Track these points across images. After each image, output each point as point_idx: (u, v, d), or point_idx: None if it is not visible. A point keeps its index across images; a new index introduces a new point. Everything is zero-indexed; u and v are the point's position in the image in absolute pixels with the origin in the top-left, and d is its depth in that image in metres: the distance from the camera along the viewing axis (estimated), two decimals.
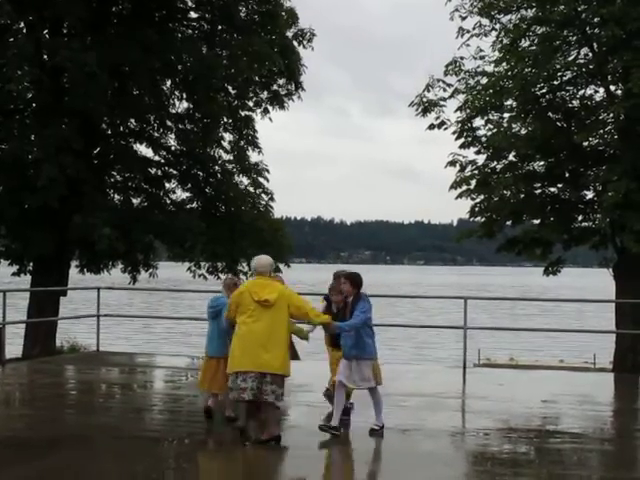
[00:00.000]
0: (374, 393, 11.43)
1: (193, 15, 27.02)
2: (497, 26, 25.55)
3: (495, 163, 25.82)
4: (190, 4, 26.77)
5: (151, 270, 26.83)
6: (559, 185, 25.20)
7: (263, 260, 11.70)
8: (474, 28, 25.59)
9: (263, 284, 11.19)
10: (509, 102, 25.46)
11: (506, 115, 25.77)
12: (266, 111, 27.98)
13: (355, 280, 11.51)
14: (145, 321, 51.43)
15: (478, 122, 25.86)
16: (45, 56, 23.94)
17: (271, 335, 10.78)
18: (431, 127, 25.86)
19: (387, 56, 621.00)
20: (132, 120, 26.51)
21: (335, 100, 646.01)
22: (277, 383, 10.82)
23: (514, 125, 25.65)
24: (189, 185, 27.24)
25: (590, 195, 25.01)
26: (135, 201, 26.91)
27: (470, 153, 26.01)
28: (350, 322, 11.13)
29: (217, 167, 27.54)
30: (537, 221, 25.58)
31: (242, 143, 28.01)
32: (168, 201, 27.17)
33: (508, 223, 25.72)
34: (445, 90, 25.85)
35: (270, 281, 11.39)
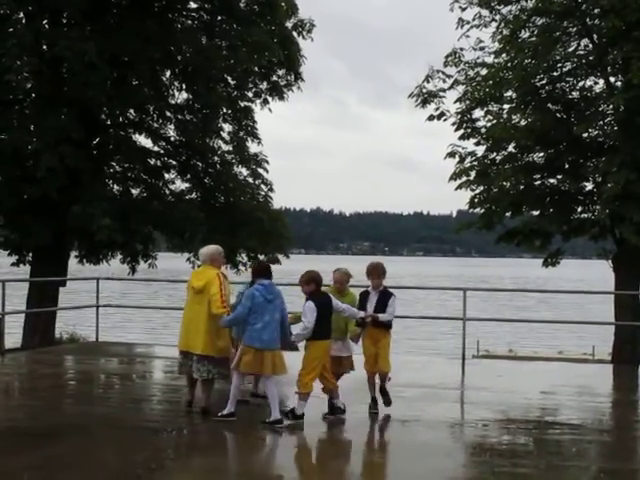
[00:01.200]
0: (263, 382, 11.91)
1: (193, 5, 26.98)
2: (497, 17, 25.54)
3: (495, 154, 25.81)
4: None
5: (150, 261, 26.83)
6: (559, 176, 25.19)
7: (204, 250, 12.46)
8: (474, 19, 25.60)
9: (199, 272, 12.29)
10: (509, 93, 25.45)
11: (506, 106, 25.76)
12: (265, 102, 27.98)
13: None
14: (144, 311, 51.43)
15: (478, 113, 25.90)
16: (44, 46, 23.90)
17: (195, 319, 11.81)
18: (430, 118, 25.83)
19: (385, 47, 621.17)
20: (131, 110, 26.49)
21: (333, 90, 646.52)
22: (203, 362, 11.71)
23: (514, 116, 25.63)
24: (188, 176, 27.26)
25: (589, 186, 25.02)
26: (134, 191, 26.93)
27: (470, 144, 26.06)
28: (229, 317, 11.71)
29: (216, 158, 27.55)
30: (536, 212, 25.59)
31: (241, 134, 28.02)
32: (167, 192, 27.20)
33: (507, 214, 25.71)
34: (445, 81, 25.87)
35: (205, 269, 12.13)
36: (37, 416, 11.81)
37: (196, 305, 11.85)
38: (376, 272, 12.29)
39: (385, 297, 12.12)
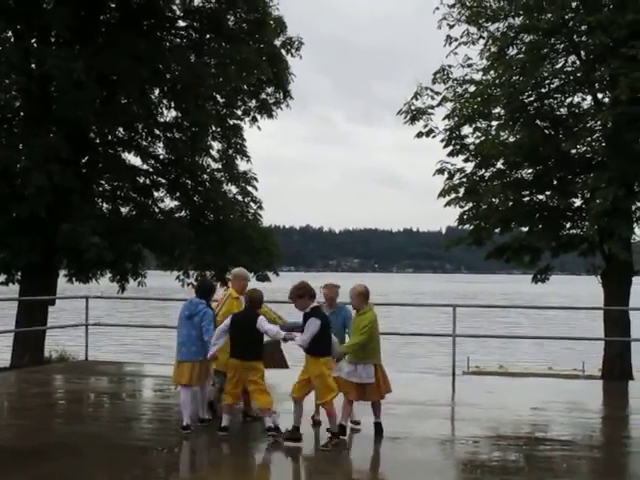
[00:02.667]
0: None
1: (181, 24, 27.05)
2: (485, 34, 25.67)
3: (483, 171, 25.87)
4: (178, 13, 26.81)
5: (140, 279, 26.78)
6: (547, 192, 25.26)
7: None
8: (462, 36, 25.73)
9: None
10: (497, 110, 25.54)
11: (494, 123, 25.84)
12: (254, 120, 28.04)
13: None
14: (134, 330, 51.24)
15: (466, 130, 25.96)
16: (33, 65, 23.92)
17: None
18: (419, 135, 25.88)
19: (370, 64, 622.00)
20: (120, 129, 26.51)
21: (320, 108, 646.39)
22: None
23: (502, 133, 25.71)
24: (178, 194, 27.25)
25: (578, 202, 25.08)
26: (124, 210, 26.91)
27: (458, 161, 26.11)
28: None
29: (205, 176, 27.57)
30: (525, 228, 25.62)
31: (230, 152, 28.06)
32: (157, 210, 27.18)
33: (497, 231, 25.75)
34: (433, 98, 25.95)
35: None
36: (26, 436, 11.75)
37: None
38: (293, 294, 11.53)
39: (305, 320, 11.32)
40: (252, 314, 11.60)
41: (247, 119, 28.09)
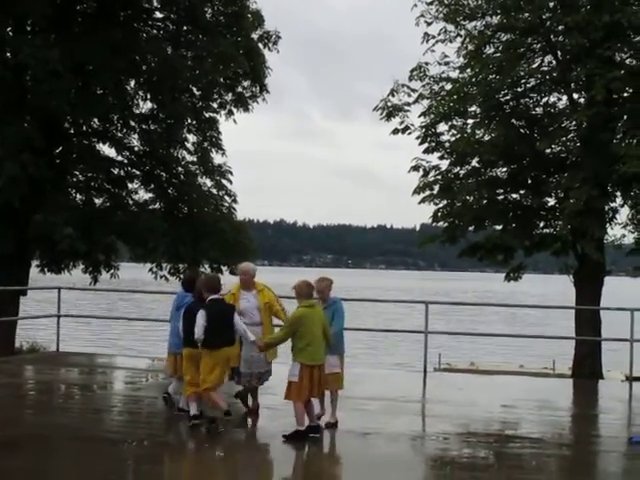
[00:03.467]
0: None
1: (158, 15, 26.93)
2: (462, 32, 25.73)
3: (458, 169, 25.95)
4: (155, 4, 26.68)
5: (112, 271, 26.68)
6: (521, 191, 25.38)
7: None
8: (439, 34, 25.77)
9: None
10: (473, 108, 25.65)
11: (470, 121, 25.94)
12: (230, 113, 27.93)
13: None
14: (105, 322, 51.16)
15: (442, 127, 26.07)
16: (8, 53, 23.73)
17: None
18: (395, 132, 25.91)
19: (346, 59, 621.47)
20: (95, 120, 26.34)
21: (295, 102, 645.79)
22: None
23: (478, 131, 25.81)
24: (152, 186, 27.15)
25: (552, 202, 25.23)
26: (97, 201, 26.80)
27: (434, 158, 26.18)
28: None
29: (180, 168, 27.48)
30: (499, 227, 25.74)
31: (206, 145, 27.95)
32: (131, 202, 27.06)
33: (470, 229, 25.86)
34: (410, 95, 25.99)
35: None
36: None
37: None
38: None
39: None
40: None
41: (223, 112, 28.00)
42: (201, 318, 11.26)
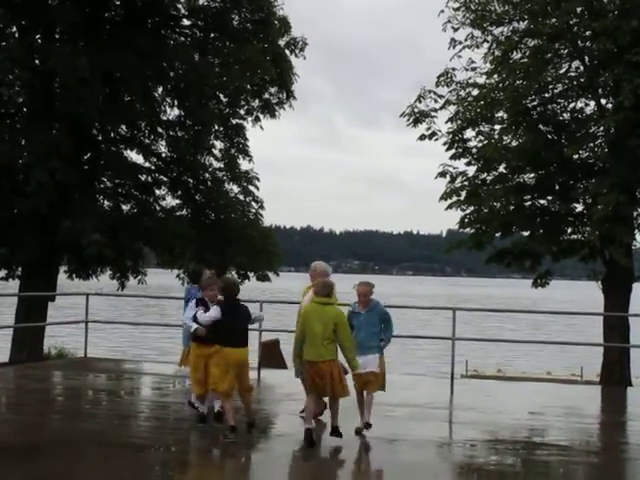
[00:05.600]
0: None
1: (186, 22, 27.03)
2: (489, 38, 25.62)
3: (485, 175, 25.85)
4: (183, 12, 26.78)
5: (140, 277, 26.79)
6: (549, 197, 25.25)
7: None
8: (466, 39, 25.64)
9: None
10: (500, 114, 25.54)
11: (497, 127, 25.84)
12: (257, 119, 28.00)
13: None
14: (133, 327, 51.33)
15: (469, 133, 25.93)
16: (37, 61, 23.91)
17: None
18: (422, 138, 25.85)
19: (367, 65, 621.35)
20: (123, 126, 26.50)
21: (320, 109, 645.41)
22: None
23: (505, 137, 25.70)
24: (179, 192, 27.25)
25: (579, 208, 25.07)
26: (125, 207, 26.91)
27: (461, 164, 26.07)
28: None
29: (207, 175, 27.56)
30: (526, 233, 25.62)
31: (233, 151, 28.01)
32: (158, 208, 27.17)
33: (497, 235, 25.74)
34: (436, 101, 25.89)
35: None
36: (23, 432, 11.74)
37: None
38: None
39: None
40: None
41: (250, 119, 28.08)
42: (214, 311, 11.38)
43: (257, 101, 27.87)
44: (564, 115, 25.53)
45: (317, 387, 11.18)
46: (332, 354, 11.15)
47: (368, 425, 11.77)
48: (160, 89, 26.81)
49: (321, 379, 11.07)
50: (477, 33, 25.60)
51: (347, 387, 11.33)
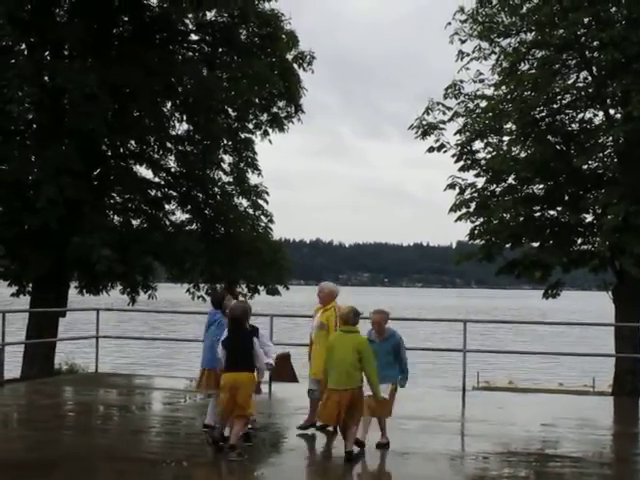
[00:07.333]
0: None
1: (194, 37, 27.10)
2: (497, 49, 25.67)
3: (494, 186, 25.85)
4: (191, 27, 26.86)
5: (150, 291, 26.80)
6: (558, 208, 25.22)
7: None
8: (473, 51, 25.72)
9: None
10: (508, 125, 25.55)
11: (505, 138, 25.85)
12: (266, 133, 28.04)
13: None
14: (144, 342, 51.34)
15: (478, 145, 25.96)
16: (46, 77, 23.98)
17: None
18: (430, 150, 25.88)
19: (376, 78, 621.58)
20: (132, 142, 26.55)
21: (327, 122, 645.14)
22: None
23: (513, 148, 25.71)
24: (189, 207, 27.27)
25: (589, 218, 25.03)
26: (135, 222, 26.92)
27: (470, 176, 26.08)
28: None
29: (217, 189, 27.57)
30: (536, 244, 25.58)
31: (242, 165, 28.03)
32: (168, 222, 27.19)
33: (507, 246, 25.72)
34: (445, 113, 25.92)
35: None
36: (35, 447, 11.75)
37: None
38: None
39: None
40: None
41: (258, 133, 28.11)
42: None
43: (265, 115, 27.90)
44: (573, 126, 25.53)
45: (342, 413, 11.19)
46: (354, 382, 11.24)
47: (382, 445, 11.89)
48: (169, 104, 26.88)
49: (349, 405, 11.14)
50: (485, 45, 25.68)
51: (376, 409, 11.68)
